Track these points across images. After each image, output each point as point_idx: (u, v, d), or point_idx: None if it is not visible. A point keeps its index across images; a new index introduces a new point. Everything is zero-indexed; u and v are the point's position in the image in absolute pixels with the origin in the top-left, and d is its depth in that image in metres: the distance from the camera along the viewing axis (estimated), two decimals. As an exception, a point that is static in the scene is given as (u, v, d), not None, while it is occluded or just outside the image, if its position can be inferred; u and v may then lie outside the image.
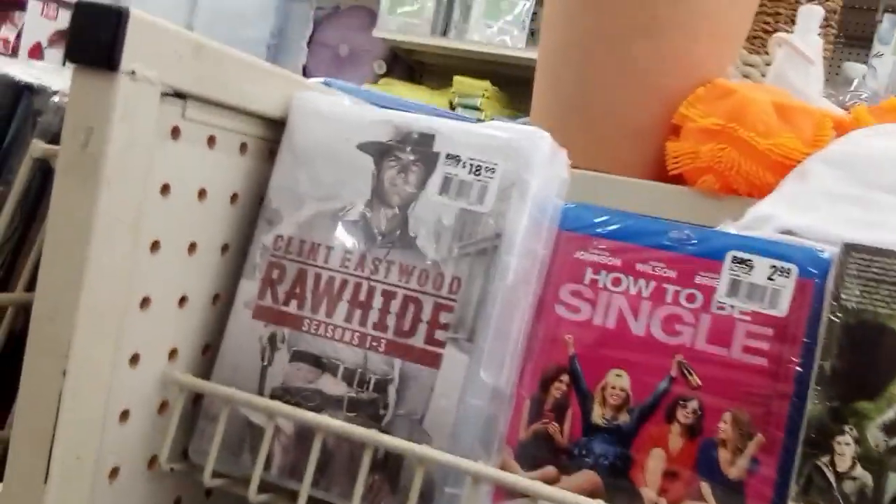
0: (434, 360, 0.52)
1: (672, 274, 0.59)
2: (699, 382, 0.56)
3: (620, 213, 0.62)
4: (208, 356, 0.59)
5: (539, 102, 1.03)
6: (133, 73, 0.47)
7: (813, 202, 0.72)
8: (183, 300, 0.56)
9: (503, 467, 0.59)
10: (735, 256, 0.57)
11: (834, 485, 0.49)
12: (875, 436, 0.48)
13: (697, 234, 0.59)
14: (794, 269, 0.56)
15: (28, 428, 0.48)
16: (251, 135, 0.60)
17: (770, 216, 0.71)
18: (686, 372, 0.56)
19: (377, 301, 0.55)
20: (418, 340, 0.53)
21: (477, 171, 0.54)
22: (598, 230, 0.61)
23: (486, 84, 3.13)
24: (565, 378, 0.59)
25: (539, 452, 0.58)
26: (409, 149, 0.56)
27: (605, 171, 0.94)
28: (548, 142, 0.55)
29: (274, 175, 0.60)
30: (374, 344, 0.54)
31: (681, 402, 0.56)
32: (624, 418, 0.57)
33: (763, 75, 1.12)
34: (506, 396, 0.56)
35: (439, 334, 0.53)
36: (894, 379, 0.49)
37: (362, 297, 0.55)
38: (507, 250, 0.53)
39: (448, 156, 0.55)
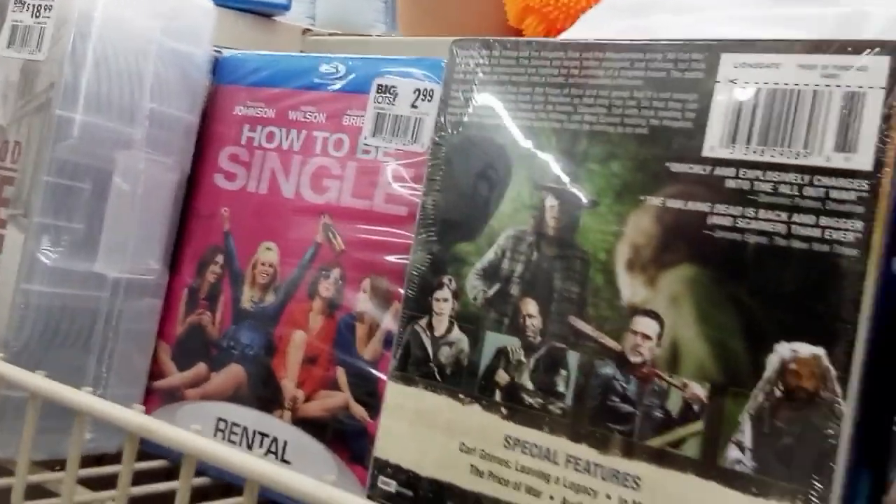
0: (-2, 244, 0.44)
1: (321, 118, 0.47)
2: (342, 247, 0.45)
3: (280, 56, 0.51)
4: None
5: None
6: None
7: (594, 21, 0.58)
8: None
9: (159, 369, 0.50)
10: (380, 85, 0.45)
11: (430, 353, 0.37)
12: (473, 286, 0.36)
13: (348, 65, 0.47)
14: (439, 89, 0.43)
15: None
16: None
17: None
18: (331, 235, 0.46)
19: (-44, 184, 0.47)
20: (-15, 223, 0.45)
21: (37, 11, 0.45)
22: (254, 78, 0.50)
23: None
24: (220, 259, 0.49)
25: (193, 348, 0.49)
26: (-13, 1, 0.47)
27: (448, 34, 0.82)
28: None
29: None
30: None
31: (323, 273, 0.45)
32: (270, 299, 0.47)
33: None
34: (121, 286, 0.47)
35: (2, 212, 0.44)
36: (496, 210, 0.36)
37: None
38: (63, 103, 0.43)
39: (16, 0, 0.46)
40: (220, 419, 0.47)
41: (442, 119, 0.39)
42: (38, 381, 0.37)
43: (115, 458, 0.48)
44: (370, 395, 0.43)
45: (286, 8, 0.80)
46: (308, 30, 0.82)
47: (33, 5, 0.45)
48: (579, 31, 0.56)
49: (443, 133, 0.38)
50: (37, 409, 0.37)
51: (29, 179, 0.44)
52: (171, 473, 0.48)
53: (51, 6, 0.44)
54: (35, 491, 0.40)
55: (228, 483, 0.45)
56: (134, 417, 0.33)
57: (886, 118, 0.28)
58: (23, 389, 0.37)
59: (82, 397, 0.35)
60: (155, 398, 0.50)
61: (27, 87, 0.45)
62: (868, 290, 0.27)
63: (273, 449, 0.44)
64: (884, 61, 0.28)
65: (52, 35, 0.44)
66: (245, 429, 0.46)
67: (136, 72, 0.46)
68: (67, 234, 0.45)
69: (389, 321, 0.43)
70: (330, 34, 0.83)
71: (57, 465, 0.46)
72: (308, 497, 0.27)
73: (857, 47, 0.29)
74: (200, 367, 0.49)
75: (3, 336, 0.43)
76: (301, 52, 0.79)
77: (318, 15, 1.77)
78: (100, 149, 0.45)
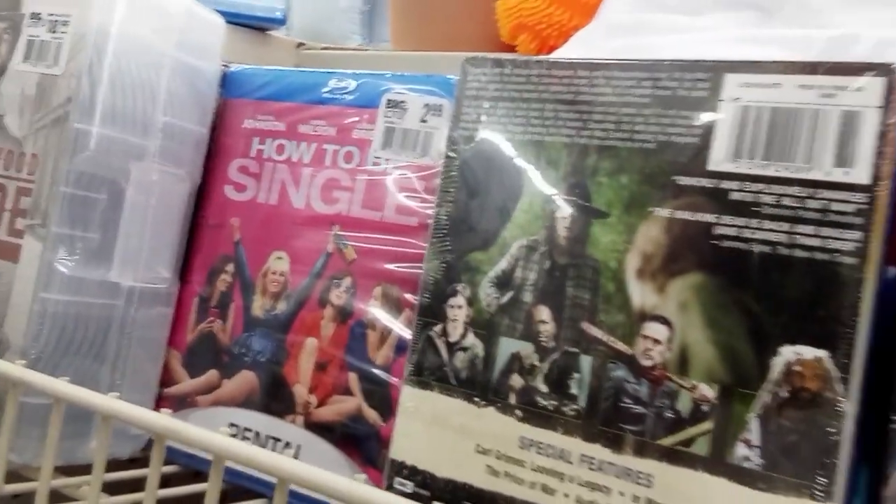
0: (14, 253, 0.45)
1: (332, 131, 0.49)
2: (354, 256, 0.46)
3: (288, 71, 0.53)
4: None
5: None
6: None
7: (589, 39, 0.60)
8: None
9: (170, 376, 0.51)
10: (389, 100, 0.47)
11: (445, 359, 0.38)
12: (487, 293, 0.38)
13: (357, 80, 0.49)
14: (447, 105, 0.45)
15: None
16: None
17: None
18: (341, 245, 0.47)
19: (-29, 195, 0.48)
20: (2, 233, 0.46)
21: (54, 27, 0.46)
22: (263, 92, 0.52)
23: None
24: (230, 268, 0.51)
25: (204, 355, 0.50)
26: (3, 14, 0.48)
27: (446, 50, 0.83)
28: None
29: None
30: (-31, 244, 0.47)
31: (335, 281, 0.47)
32: (282, 307, 0.48)
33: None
34: (135, 294, 0.48)
35: (19, 223, 0.45)
36: (508, 221, 0.38)
37: (-40, 192, 0.48)
38: (81, 117, 0.44)
39: (32, 15, 0.47)
40: (231, 424, 0.48)
41: (454, 134, 0.40)
42: (62, 386, 0.37)
43: (122, 465, 0.49)
44: (382, 400, 0.44)
45: (282, 23, 0.81)
46: (302, 44, 0.84)
47: (50, 21, 0.46)
48: (573, 50, 0.58)
49: (455, 147, 0.40)
50: (61, 414, 0.38)
51: (46, 190, 0.45)
52: (172, 479, 0.49)
53: (67, 21, 0.45)
54: (51, 497, 0.41)
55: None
56: (160, 420, 0.34)
57: (882, 135, 0.30)
58: (47, 395, 0.38)
59: (109, 402, 0.36)
60: (166, 405, 0.50)
61: (43, 100, 0.46)
62: (867, 296, 0.29)
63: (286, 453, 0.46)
64: (878, 83, 0.30)
65: (69, 50, 0.45)
66: (258, 433, 0.47)
67: (149, 85, 0.48)
68: (83, 244, 0.46)
69: (400, 328, 0.44)
70: (324, 48, 0.85)
71: (69, 471, 0.47)
72: (342, 496, 0.29)
73: (853, 69, 0.31)
74: (212, 374, 0.50)
75: (22, 344, 0.44)
76: (296, 65, 0.80)
77: (293, 25, 1.78)
78: (115, 160, 0.46)
